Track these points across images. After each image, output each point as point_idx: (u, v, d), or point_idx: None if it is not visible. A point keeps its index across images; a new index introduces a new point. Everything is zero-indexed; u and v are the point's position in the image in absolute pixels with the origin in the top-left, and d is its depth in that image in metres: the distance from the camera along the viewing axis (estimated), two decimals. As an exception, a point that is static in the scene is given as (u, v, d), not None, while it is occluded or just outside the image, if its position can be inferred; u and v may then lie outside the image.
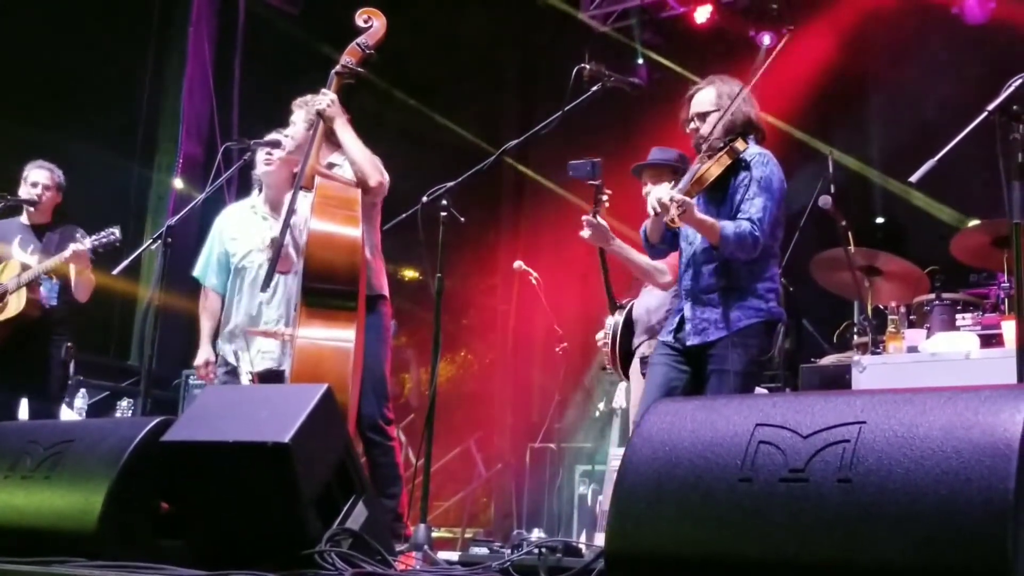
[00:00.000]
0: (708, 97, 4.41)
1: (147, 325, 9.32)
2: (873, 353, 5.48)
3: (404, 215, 4.77)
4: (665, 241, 4.50)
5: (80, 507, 3.27)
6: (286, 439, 3.03)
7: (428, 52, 11.10)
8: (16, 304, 5.81)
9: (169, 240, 5.14)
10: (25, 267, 5.86)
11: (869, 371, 5.13)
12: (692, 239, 4.40)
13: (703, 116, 4.39)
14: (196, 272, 5.68)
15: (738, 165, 4.28)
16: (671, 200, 4.03)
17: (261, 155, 5.41)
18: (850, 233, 5.96)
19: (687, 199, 4.06)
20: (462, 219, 5.41)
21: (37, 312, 5.88)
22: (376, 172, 4.85)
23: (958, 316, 5.54)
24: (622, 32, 9.96)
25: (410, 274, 12.05)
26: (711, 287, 4.28)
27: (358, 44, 4.99)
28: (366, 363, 4.78)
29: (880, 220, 8.94)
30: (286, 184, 5.25)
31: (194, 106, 10.23)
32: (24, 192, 6.12)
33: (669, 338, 4.41)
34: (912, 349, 5.32)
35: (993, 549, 1.92)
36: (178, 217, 5.55)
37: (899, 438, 2.11)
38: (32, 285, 5.83)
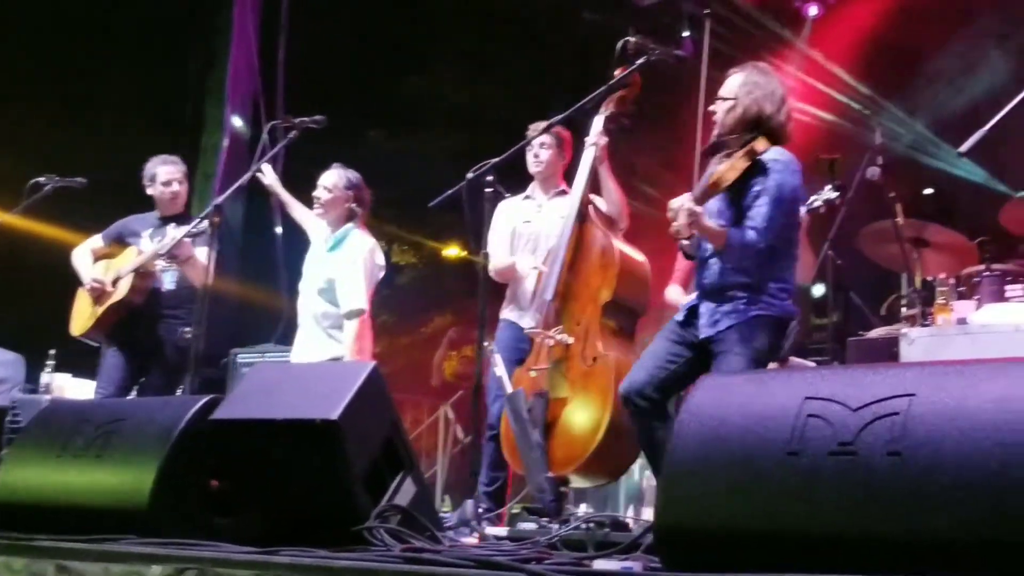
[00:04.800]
0: (734, 83, 4.33)
1: (196, 305, 9.39)
2: (922, 325, 5.42)
3: (449, 192, 4.75)
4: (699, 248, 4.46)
5: (132, 485, 3.31)
6: (334, 416, 3.06)
7: (477, 28, 11.09)
8: (122, 291, 5.92)
9: (217, 219, 5.17)
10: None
11: (918, 343, 5.07)
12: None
13: (723, 100, 4.31)
14: None
15: (756, 167, 4.19)
16: (682, 209, 4.02)
17: (314, 196, 5.77)
18: (898, 205, 5.89)
19: (697, 209, 4.04)
20: (507, 195, 5.41)
21: (140, 299, 5.95)
22: (625, 216, 5.16)
23: (1008, 287, 5.45)
24: (667, 5, 9.87)
25: (456, 252, 12.10)
26: (726, 285, 4.24)
27: (619, 99, 5.03)
28: None
29: (929, 191, 8.83)
30: (341, 219, 5.72)
31: (239, 86, 10.29)
32: (156, 191, 6.13)
33: (682, 319, 4.38)
34: (961, 321, 5.25)
35: (1047, 522, 1.90)
36: (224, 196, 5.60)
37: (950, 410, 2.09)
38: (141, 273, 5.91)
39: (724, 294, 4.24)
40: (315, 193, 5.76)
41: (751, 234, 4.12)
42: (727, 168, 4.15)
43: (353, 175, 5.80)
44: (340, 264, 5.64)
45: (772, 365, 4.55)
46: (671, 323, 4.44)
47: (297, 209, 6.05)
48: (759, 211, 4.14)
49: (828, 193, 5.62)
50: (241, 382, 4.13)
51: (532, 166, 5.53)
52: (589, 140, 5.04)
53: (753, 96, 4.25)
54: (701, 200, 4.11)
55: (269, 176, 5.88)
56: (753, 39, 9.42)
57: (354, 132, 9.92)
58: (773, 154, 4.21)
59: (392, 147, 11.64)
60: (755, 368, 4.11)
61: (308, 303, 5.73)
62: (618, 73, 4.86)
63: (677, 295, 5.65)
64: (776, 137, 4.27)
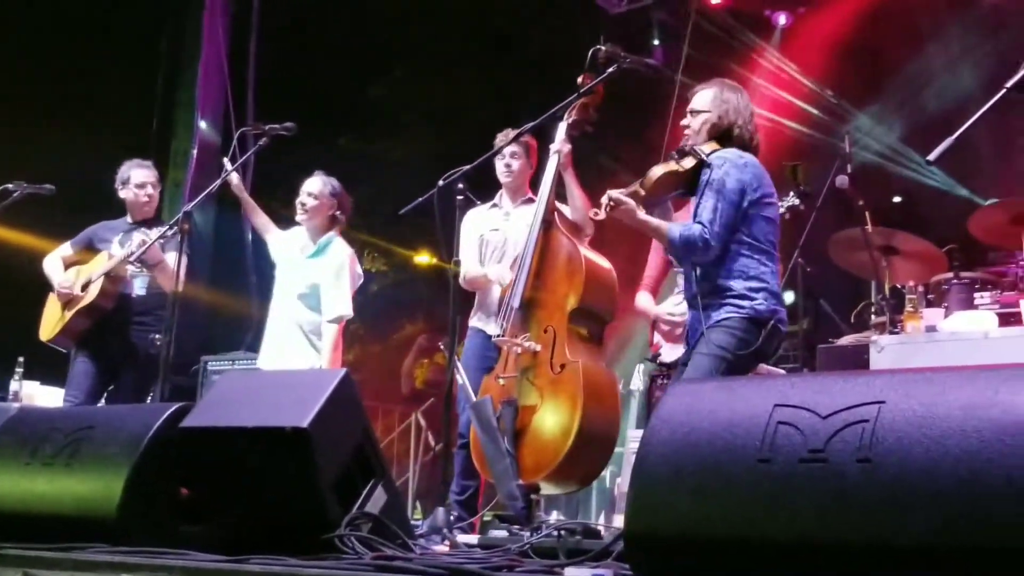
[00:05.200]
0: (706, 97, 4.45)
1: (166, 311, 9.35)
2: (891, 333, 5.46)
3: (421, 199, 4.75)
4: None
5: (100, 493, 3.29)
6: (305, 424, 3.04)
7: (447, 35, 11.09)
8: (92, 294, 5.90)
9: (186, 226, 5.15)
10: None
11: (887, 351, 5.11)
12: None
13: (696, 113, 4.44)
14: None
15: (701, 167, 4.29)
16: (608, 198, 4.11)
17: (298, 203, 5.79)
18: (867, 212, 5.94)
19: (621, 198, 4.13)
20: (478, 202, 5.42)
21: (109, 303, 5.94)
22: (590, 223, 5.06)
23: (976, 295, 5.51)
24: (638, 14, 9.93)
25: (427, 259, 12.09)
26: (698, 293, 4.31)
27: (581, 106, 5.00)
28: None
29: (898, 199, 8.90)
30: (324, 226, 5.78)
31: (209, 92, 10.24)
32: (130, 194, 6.14)
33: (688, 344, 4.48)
34: (930, 328, 5.29)
35: (1014, 529, 1.91)
36: (194, 203, 5.59)
37: (919, 418, 2.10)
38: (112, 277, 5.88)
39: (696, 303, 4.29)
40: (300, 199, 5.79)
41: (696, 227, 4.18)
42: (662, 164, 4.28)
43: (336, 183, 5.85)
44: (325, 270, 5.70)
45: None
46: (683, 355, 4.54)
47: (260, 216, 6.04)
48: (704, 205, 4.22)
49: (791, 200, 5.66)
50: (211, 389, 4.11)
51: (503, 176, 5.55)
52: (553, 147, 5.06)
53: (724, 109, 4.39)
54: (640, 197, 4.17)
55: (235, 179, 5.85)
56: (724, 47, 9.48)
57: (324, 138, 9.90)
58: (719, 153, 4.32)
59: (363, 153, 11.63)
60: (726, 368, 4.15)
61: (287, 309, 5.74)
62: (581, 80, 4.90)
63: (647, 302, 5.68)
64: (743, 146, 4.38)
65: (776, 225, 4.46)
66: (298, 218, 5.81)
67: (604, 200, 4.16)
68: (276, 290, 5.85)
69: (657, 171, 4.27)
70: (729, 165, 4.24)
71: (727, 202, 4.19)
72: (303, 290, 5.69)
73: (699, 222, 4.18)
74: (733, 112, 4.37)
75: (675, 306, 5.41)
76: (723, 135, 4.37)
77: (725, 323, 4.19)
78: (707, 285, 4.25)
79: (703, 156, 4.25)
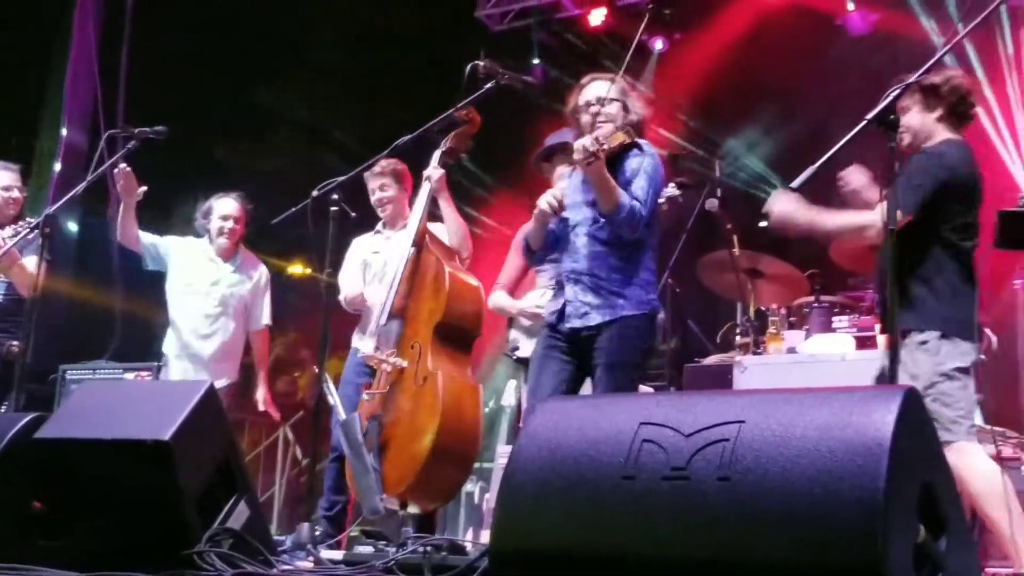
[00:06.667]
0: (612, 88, 4.43)
1: (23, 316, 9.05)
2: (754, 353, 5.60)
3: (294, 209, 4.69)
4: (547, 247, 4.50)
5: (-52, 506, 3.16)
6: (167, 437, 2.98)
7: (326, 47, 11.01)
8: None
9: (47, 230, 5.00)
10: None
11: (750, 371, 5.25)
12: (574, 220, 4.41)
13: (605, 101, 4.39)
14: None
15: (631, 149, 4.33)
16: (594, 140, 4.07)
17: (220, 227, 6.05)
18: (735, 236, 6.07)
19: (599, 153, 4.06)
20: (353, 214, 5.38)
21: None
22: (468, 245, 5.29)
23: (835, 318, 5.69)
24: (518, 32, 9.99)
25: (300, 270, 11.95)
26: (593, 269, 4.30)
27: (458, 135, 5.04)
28: None
29: (764, 224, 9.11)
30: (234, 243, 6.12)
31: (78, 93, 9.97)
32: None
33: (553, 320, 4.41)
34: (791, 350, 5.46)
35: (865, 547, 1.96)
36: (57, 205, 5.43)
37: (776, 437, 2.15)
38: None
39: (592, 280, 4.30)
40: (224, 224, 6.02)
41: (636, 203, 4.21)
42: (616, 134, 4.28)
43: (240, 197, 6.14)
44: (257, 283, 6.17)
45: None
46: (546, 328, 4.46)
47: (134, 228, 5.92)
48: (639, 185, 4.26)
49: (671, 190, 5.68)
50: (69, 399, 3.99)
51: (377, 209, 5.68)
52: (425, 173, 5.08)
53: (631, 98, 4.45)
54: (602, 155, 4.12)
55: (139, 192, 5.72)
56: (601, 69, 9.60)
57: (197, 144, 9.73)
58: (645, 143, 4.40)
59: (235, 161, 11.47)
60: (635, 372, 4.24)
61: (213, 318, 5.96)
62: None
63: (505, 299, 5.62)
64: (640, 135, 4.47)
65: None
66: (220, 241, 6.02)
67: (587, 147, 4.04)
68: (195, 298, 5.98)
69: (618, 136, 4.26)
70: (656, 158, 4.35)
71: (654, 191, 4.30)
72: (235, 303, 6.02)
73: (636, 198, 4.21)
74: (639, 101, 4.46)
75: (540, 297, 5.40)
76: (638, 126, 4.44)
77: (629, 322, 4.21)
78: (607, 265, 4.28)
79: (635, 138, 4.30)
